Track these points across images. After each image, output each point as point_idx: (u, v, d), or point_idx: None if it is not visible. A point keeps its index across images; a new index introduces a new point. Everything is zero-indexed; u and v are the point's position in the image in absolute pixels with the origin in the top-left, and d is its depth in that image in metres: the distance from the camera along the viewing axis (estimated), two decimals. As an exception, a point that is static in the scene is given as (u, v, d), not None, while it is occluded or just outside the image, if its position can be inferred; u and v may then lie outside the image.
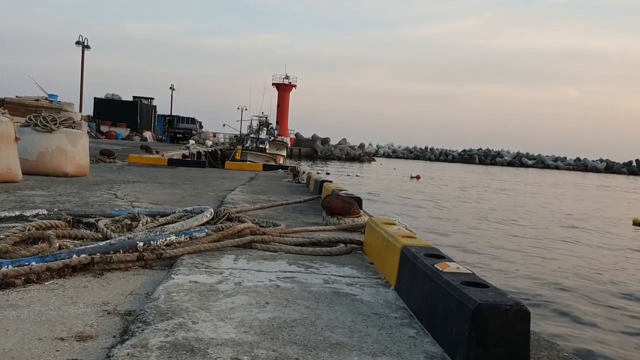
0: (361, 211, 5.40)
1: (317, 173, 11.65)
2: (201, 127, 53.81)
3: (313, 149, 77.21)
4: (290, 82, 74.64)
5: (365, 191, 26.06)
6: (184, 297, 2.79)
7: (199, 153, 26.63)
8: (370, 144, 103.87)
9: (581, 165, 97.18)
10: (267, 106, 79.52)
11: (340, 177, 37.17)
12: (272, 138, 42.84)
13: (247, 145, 38.42)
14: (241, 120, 53.05)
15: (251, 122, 43.43)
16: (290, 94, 74.76)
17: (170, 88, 60.82)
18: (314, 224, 5.32)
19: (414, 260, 2.91)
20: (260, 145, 39.29)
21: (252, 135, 40.39)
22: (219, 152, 35.44)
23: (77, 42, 36.48)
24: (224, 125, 49.73)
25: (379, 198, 24.26)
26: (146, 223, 4.38)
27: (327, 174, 37.96)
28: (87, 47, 36.89)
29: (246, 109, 51.93)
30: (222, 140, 52.30)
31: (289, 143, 64.02)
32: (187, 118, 51.16)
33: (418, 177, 42.07)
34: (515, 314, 2.15)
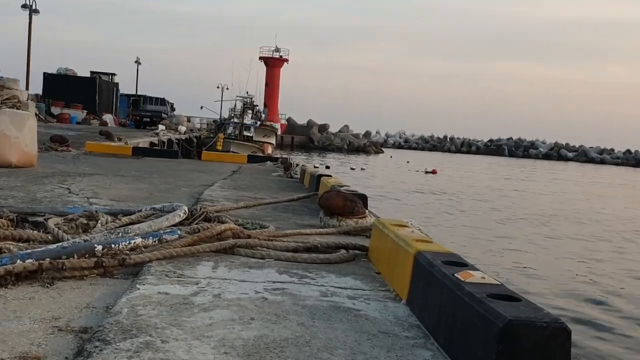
0: (366, 211, 5.43)
1: (314, 167, 11.84)
2: (173, 109, 53.08)
3: (308, 138, 75.94)
4: (281, 56, 72.76)
5: (372, 188, 26.00)
6: (152, 312, 2.79)
7: (170, 141, 26.37)
8: (377, 132, 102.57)
9: (632, 159, 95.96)
10: (252, 85, 78.62)
11: (341, 171, 37.01)
12: (259, 123, 42.16)
13: (228, 132, 38.00)
14: (221, 101, 51.70)
15: (234, 104, 42.23)
16: (282, 70, 73.02)
17: (136, 62, 60.70)
18: (309, 226, 5.35)
19: (430, 268, 2.92)
20: (245, 133, 38.76)
21: (234, 120, 39.65)
22: (195, 140, 34.94)
23: (24, 6, 36.11)
24: (201, 107, 48.17)
25: (388, 196, 24.36)
26: (106, 223, 4.40)
27: (327, 167, 37.03)
28: (36, 11, 36.46)
29: (227, 88, 50.68)
30: (198, 125, 51.69)
31: (279, 130, 62.14)
32: (156, 98, 50.56)
33: (434, 172, 42.32)
34: (552, 332, 2.11)
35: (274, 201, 6.81)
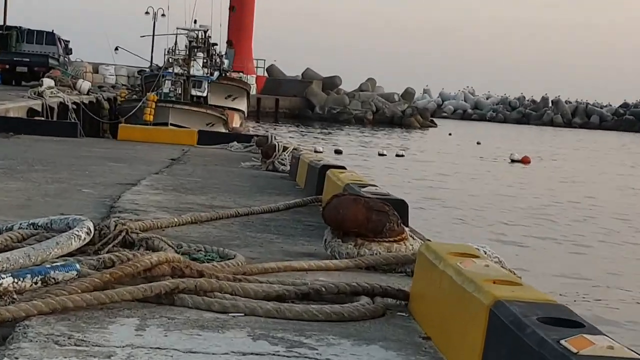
0: (405, 230, 5.06)
1: (315, 152, 11.16)
2: (69, 52, 42.25)
3: (305, 101, 59.56)
4: None
5: (416, 189, 21.27)
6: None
7: (63, 107, 22.13)
8: (426, 92, 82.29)
9: None
10: (206, 9, 56.33)
11: (363, 159, 30.14)
12: (219, 75, 34.32)
13: (165, 91, 29.46)
14: (153, 35, 41.02)
15: (174, 42, 32.41)
16: None
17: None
18: (305, 255, 5.10)
19: (519, 330, 2.71)
20: (194, 91, 30.27)
21: (174, 71, 30.40)
22: (107, 105, 28.86)
23: None
24: (116, 49, 38.28)
25: (445, 203, 19.67)
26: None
27: (337, 152, 31.22)
28: None
29: (164, 15, 41.23)
30: (112, 79, 44.14)
31: (254, 87, 52.00)
32: (39, 33, 40.02)
33: (526, 161, 33.13)
34: None
35: (244, 212, 6.29)
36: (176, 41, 32.32)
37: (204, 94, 30.67)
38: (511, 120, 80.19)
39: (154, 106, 27.00)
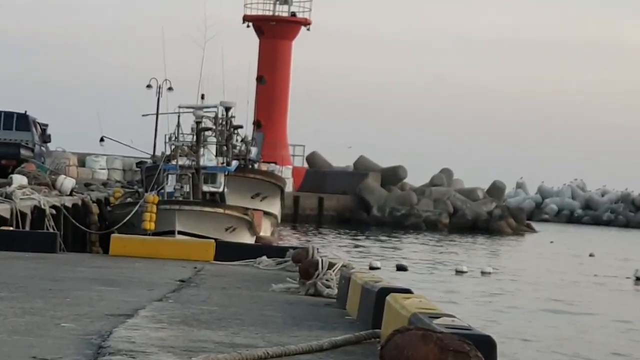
0: None
1: (371, 268, 10.62)
2: (46, 139, 40.61)
3: (358, 200, 57.79)
4: (294, 14, 55.27)
5: (508, 319, 20.05)
6: None
7: (39, 212, 21.87)
8: (519, 187, 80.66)
9: None
10: (230, 83, 46.02)
11: (436, 276, 29.30)
12: (243, 165, 33.58)
13: (169, 190, 28.20)
14: (157, 117, 39.75)
15: (177, 125, 30.82)
16: (294, 44, 55.53)
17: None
18: None
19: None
20: (207, 187, 28.85)
21: (180, 163, 28.84)
22: (96, 208, 27.67)
23: None
24: (101, 140, 38.73)
25: (546, 343, 17.82)
26: None
27: (401, 268, 29.44)
28: None
29: (170, 89, 40.83)
30: (103, 175, 42.75)
31: (290, 181, 49.14)
32: (8, 115, 37.60)
33: None
34: None
35: (276, 353, 5.93)
36: (178, 122, 30.33)
37: (220, 189, 28.75)
38: (635, 224, 74.81)
39: (155, 210, 25.57)
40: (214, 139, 30.59)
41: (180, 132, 30.53)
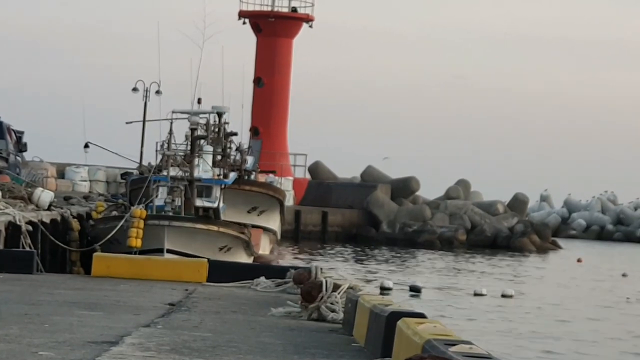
0: None
1: (382, 290, 10.93)
2: (22, 148, 38.16)
3: (366, 214, 55.35)
4: (294, 9, 52.66)
5: (530, 346, 19.52)
6: None
7: (14, 228, 21.22)
8: (544, 200, 78.11)
9: None
10: (212, 81, 44.62)
11: (452, 299, 28.37)
12: (239, 177, 32.19)
13: (158, 203, 26.71)
14: (143, 124, 37.43)
15: (169, 132, 29.20)
16: (295, 43, 52.74)
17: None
18: None
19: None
20: (201, 201, 27.49)
21: (172, 173, 27.31)
22: (76, 224, 26.18)
23: None
24: (86, 146, 36.40)
25: None
26: None
27: (414, 289, 28.39)
28: None
29: (158, 92, 38.23)
30: (85, 188, 41.14)
31: (291, 193, 48.25)
32: None
33: None
34: None
35: None
36: (171, 129, 28.64)
37: (215, 205, 27.33)
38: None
39: (142, 225, 24.28)
40: (210, 148, 29.47)
41: (172, 140, 29.28)
